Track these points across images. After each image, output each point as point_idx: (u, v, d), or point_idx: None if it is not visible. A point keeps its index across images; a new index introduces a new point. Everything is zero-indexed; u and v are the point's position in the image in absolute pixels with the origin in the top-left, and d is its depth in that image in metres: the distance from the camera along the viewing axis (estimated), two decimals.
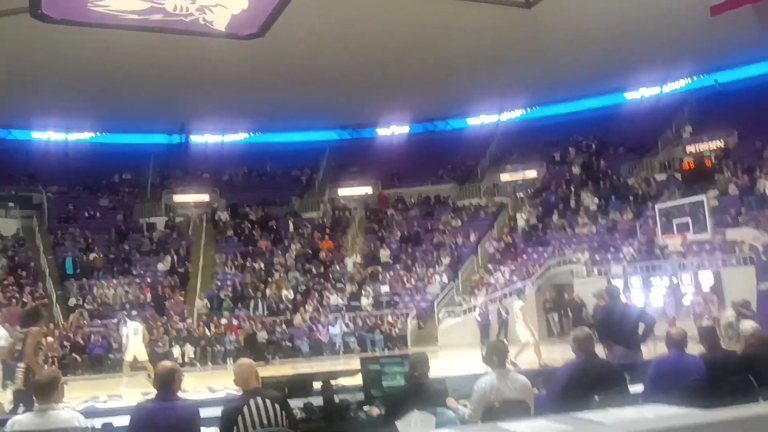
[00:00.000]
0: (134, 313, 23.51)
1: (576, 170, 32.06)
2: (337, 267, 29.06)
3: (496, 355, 5.66)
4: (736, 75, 32.43)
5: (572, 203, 29.57)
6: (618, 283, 22.32)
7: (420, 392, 5.43)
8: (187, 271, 28.27)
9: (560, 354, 15.91)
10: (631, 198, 28.10)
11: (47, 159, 33.19)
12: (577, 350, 5.91)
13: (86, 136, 35.49)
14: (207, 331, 22.68)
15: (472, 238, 29.55)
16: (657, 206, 21.92)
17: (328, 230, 31.93)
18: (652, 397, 5.55)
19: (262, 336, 23.06)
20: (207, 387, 15.02)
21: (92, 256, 27.70)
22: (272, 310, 25.55)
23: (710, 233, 19.53)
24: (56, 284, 26.08)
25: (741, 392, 5.61)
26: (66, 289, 25.84)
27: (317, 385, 6.80)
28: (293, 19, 24.08)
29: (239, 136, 37.94)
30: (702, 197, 19.62)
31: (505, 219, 30.84)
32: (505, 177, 34.12)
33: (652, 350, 10.54)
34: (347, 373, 7.29)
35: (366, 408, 6.26)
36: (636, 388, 6.19)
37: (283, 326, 24.21)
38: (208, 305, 25.30)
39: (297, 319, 24.09)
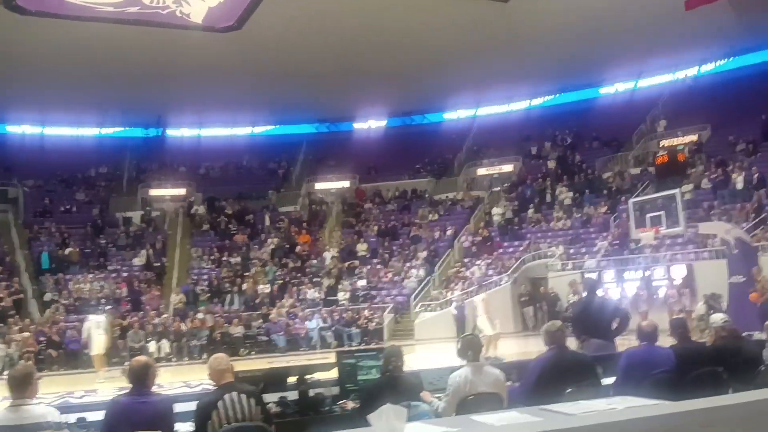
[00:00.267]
0: (108, 308, 23.46)
1: (551, 164, 32.27)
2: (314, 261, 29.04)
3: (471, 348, 5.71)
4: (710, 69, 32.75)
5: (548, 197, 29.76)
6: (592, 276, 22.58)
7: (394, 385, 5.47)
8: (163, 265, 28.11)
9: (536, 347, 16.06)
10: (606, 192, 28.35)
11: (23, 152, 32.71)
12: (549, 343, 5.99)
13: (62, 130, 35.02)
14: (183, 326, 22.56)
15: (449, 232, 29.65)
16: (631, 200, 22.11)
17: (305, 224, 31.90)
18: (623, 388, 5.62)
19: (238, 330, 23.00)
20: (183, 382, 14.96)
21: (68, 250, 27.41)
22: (249, 305, 25.46)
23: (683, 227, 19.74)
24: (32, 279, 25.85)
25: (711, 384, 5.70)
26: (42, 284, 25.55)
27: (292, 379, 6.81)
28: (270, 12, 24.05)
29: (216, 130, 37.65)
30: (675, 191, 19.81)
31: (481, 213, 30.96)
32: (481, 171, 34.27)
33: (626, 344, 10.67)
34: (322, 367, 7.32)
35: (341, 402, 6.29)
36: (609, 380, 6.27)
37: (260, 321, 24.16)
38: (184, 300, 25.16)
39: (273, 313, 24.03)
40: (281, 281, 27.19)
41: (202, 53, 27.15)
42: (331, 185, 35.43)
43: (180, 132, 37.31)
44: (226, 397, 4.90)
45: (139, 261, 27.93)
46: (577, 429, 2.69)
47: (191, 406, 5.20)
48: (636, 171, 28.99)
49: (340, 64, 29.39)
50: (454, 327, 22.60)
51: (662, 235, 20.68)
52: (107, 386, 15.20)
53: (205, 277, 27.25)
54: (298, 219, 32.32)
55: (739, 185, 24.08)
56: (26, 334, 20.34)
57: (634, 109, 32.83)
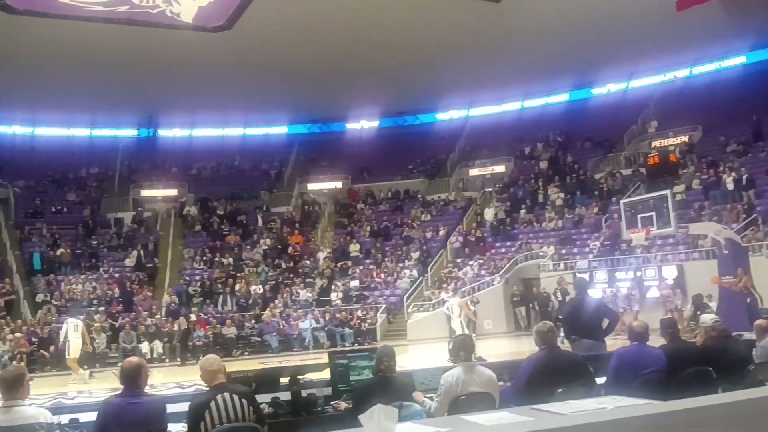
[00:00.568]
0: (101, 308, 23.43)
1: (543, 165, 32.36)
2: (307, 261, 29.02)
3: (463, 349, 5.73)
4: (701, 71, 32.88)
5: (540, 198, 29.83)
6: (584, 276, 22.65)
7: (386, 386, 5.47)
8: (155, 266, 28.03)
9: (528, 347, 16.09)
10: (597, 192, 28.43)
11: (13, 153, 32.58)
12: (540, 343, 6.01)
13: (53, 130, 34.88)
14: (175, 327, 22.52)
15: (441, 232, 29.69)
16: (622, 201, 22.19)
17: (297, 224, 31.87)
18: (614, 388, 5.65)
19: (230, 331, 22.98)
20: (176, 382, 14.95)
21: (59, 251, 27.31)
22: (241, 306, 25.43)
23: (674, 228, 19.82)
24: (23, 280, 25.73)
25: (700, 383, 5.73)
26: (33, 285, 25.49)
27: (285, 380, 6.82)
28: (261, 12, 24.03)
29: (207, 130, 37.57)
30: (666, 192, 19.89)
31: (473, 213, 31.01)
32: (473, 172, 34.32)
33: (618, 344, 10.72)
34: (315, 367, 7.34)
35: (333, 402, 6.31)
36: (600, 380, 6.30)
37: (252, 321, 24.14)
38: (177, 301, 25.08)
39: (266, 314, 24.01)
40: (274, 282, 27.17)
41: (193, 53, 27.10)
42: (323, 186, 35.41)
43: (171, 132, 37.24)
44: (219, 397, 4.90)
45: (130, 262, 27.85)
46: (567, 428, 2.71)
47: (184, 406, 5.20)
48: (627, 172, 29.07)
49: (332, 64, 29.39)
50: (447, 327, 22.61)
51: (653, 235, 20.76)
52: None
53: (198, 277, 27.20)
54: (291, 219, 32.29)
55: (730, 186, 24.20)
56: (18, 334, 20.27)
57: (626, 109, 32.93)
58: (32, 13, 22.85)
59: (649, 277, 22.27)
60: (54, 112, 32.63)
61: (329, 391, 6.59)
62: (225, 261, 28.20)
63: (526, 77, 32.50)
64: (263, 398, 5.97)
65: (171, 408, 5.19)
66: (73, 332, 17.24)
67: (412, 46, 28.63)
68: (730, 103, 28.98)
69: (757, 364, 6.41)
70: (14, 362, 17.10)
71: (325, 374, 6.89)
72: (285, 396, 6.37)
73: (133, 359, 5.25)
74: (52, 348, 19.96)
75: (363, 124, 38.56)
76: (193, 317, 23.24)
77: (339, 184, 35.46)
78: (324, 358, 7.13)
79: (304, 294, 26.27)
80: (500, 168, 33.77)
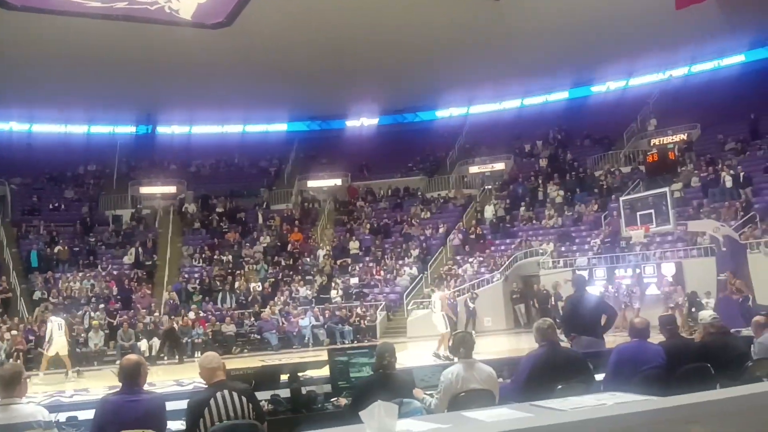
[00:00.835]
0: (100, 306, 23.41)
1: (543, 162, 32.38)
2: (307, 259, 29.02)
3: (463, 345, 5.73)
4: (699, 69, 32.91)
5: (539, 195, 29.85)
6: (583, 274, 22.65)
7: (386, 383, 5.48)
8: (154, 263, 28.01)
9: (527, 344, 16.09)
10: (597, 190, 28.45)
11: (10, 150, 32.45)
12: (540, 340, 6.02)
13: (50, 127, 34.82)
14: (174, 325, 22.47)
15: (441, 230, 29.69)
16: (621, 198, 22.23)
17: (297, 222, 31.85)
18: (614, 384, 5.66)
19: (230, 329, 22.98)
20: (175, 380, 14.94)
21: (57, 248, 27.25)
22: (241, 303, 25.43)
23: (672, 225, 19.85)
24: (20, 277, 25.64)
25: (699, 379, 5.74)
26: (30, 283, 25.41)
27: (285, 377, 6.81)
28: (260, 8, 23.97)
29: (207, 127, 37.53)
30: (665, 189, 19.93)
31: (473, 211, 31.02)
32: (473, 169, 34.32)
33: (618, 340, 10.73)
34: (315, 364, 7.32)
35: (333, 399, 6.31)
36: (599, 377, 6.31)
37: (252, 319, 24.14)
38: (176, 298, 25.06)
39: (266, 311, 24.00)
40: (273, 279, 27.16)
41: (192, 50, 27.04)
42: (323, 183, 35.41)
43: (170, 129, 37.22)
44: (218, 395, 4.90)
45: (129, 259, 27.79)
46: (567, 424, 2.71)
47: (183, 404, 5.19)
48: (627, 169, 29.11)
49: (332, 61, 29.37)
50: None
51: (652, 233, 20.80)
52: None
53: (197, 275, 27.17)
54: (290, 217, 32.27)
55: (728, 184, 24.23)
56: (15, 332, 20.23)
57: (625, 107, 32.96)
58: (29, 9, 22.75)
59: (648, 274, 22.32)
60: (51, 109, 32.61)
61: (329, 388, 6.59)
62: (224, 258, 28.20)
63: (526, 75, 32.50)
64: (263, 395, 5.97)
65: (170, 406, 5.18)
66: (57, 331, 17.12)
67: (412, 43, 28.62)
68: (728, 102, 29.05)
69: (755, 360, 6.44)
70: (11, 360, 17.07)
71: (325, 371, 6.88)
72: (285, 393, 6.37)
73: (133, 357, 5.22)
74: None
75: (363, 122, 38.56)
76: (192, 315, 23.21)
77: (339, 182, 35.45)
78: (323, 356, 7.12)
79: (304, 291, 26.26)
80: (500, 165, 33.78)
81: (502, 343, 21.12)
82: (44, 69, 27.37)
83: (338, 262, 28.73)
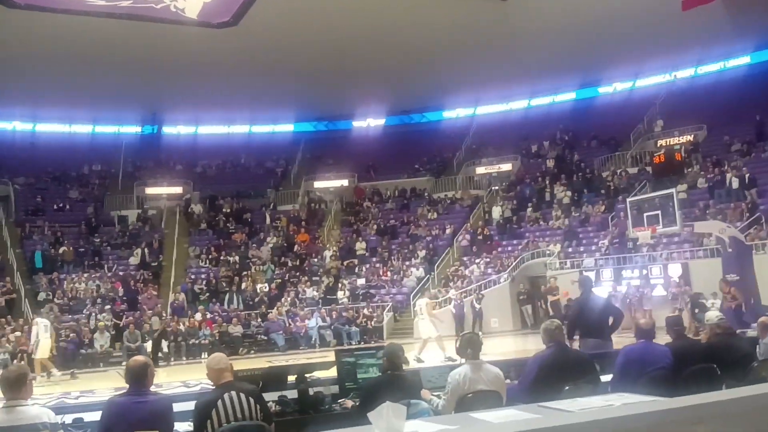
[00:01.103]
0: (106, 307, 23.46)
1: (550, 163, 32.32)
2: (314, 260, 29.03)
3: (470, 346, 5.73)
4: (705, 70, 32.86)
5: (546, 196, 29.81)
6: (590, 275, 22.62)
7: (394, 384, 5.48)
8: (160, 264, 28.03)
9: (534, 345, 16.05)
10: (604, 191, 28.40)
11: (13, 150, 32.40)
12: (547, 341, 6.02)
13: (54, 126, 34.76)
14: (181, 326, 22.54)
15: (448, 230, 29.68)
16: (628, 199, 22.22)
17: (303, 223, 31.87)
18: (620, 385, 5.65)
19: (237, 330, 23.03)
20: (181, 381, 14.94)
21: (62, 249, 27.20)
22: (247, 304, 25.46)
23: (679, 226, 19.83)
24: (24, 278, 25.46)
25: (705, 380, 5.74)
26: (35, 284, 25.31)
27: (292, 378, 6.82)
28: (267, 8, 23.94)
29: (213, 127, 37.57)
30: (671, 190, 19.91)
31: (480, 212, 31.00)
32: (480, 170, 34.29)
33: (625, 341, 10.72)
34: (322, 365, 7.33)
35: (340, 400, 6.31)
36: (606, 378, 6.30)
37: (259, 320, 24.18)
38: (183, 299, 25.09)
39: (273, 312, 24.04)
40: (280, 280, 27.18)
41: (198, 49, 27.02)
42: (329, 184, 35.41)
43: (176, 129, 37.25)
44: (226, 396, 4.89)
45: (134, 260, 27.79)
46: (574, 425, 2.72)
47: (190, 405, 5.19)
48: (633, 170, 29.05)
49: (339, 61, 29.37)
50: (453, 325, 22.65)
51: (659, 234, 20.76)
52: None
53: (203, 276, 27.19)
54: (297, 218, 32.30)
55: (734, 185, 24.20)
56: (19, 334, 20.22)
57: (632, 108, 32.94)
58: (33, 8, 22.72)
59: (655, 275, 22.26)
60: (55, 108, 32.50)
61: (336, 389, 6.60)
62: (231, 259, 28.22)
63: (533, 76, 32.48)
64: (270, 396, 5.98)
65: (177, 407, 5.18)
66: (43, 333, 17.07)
67: (419, 43, 28.61)
68: (734, 103, 29.03)
69: (760, 361, 6.44)
70: (15, 361, 17.06)
71: (332, 372, 6.88)
72: (292, 394, 6.38)
73: (140, 358, 5.21)
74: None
75: (369, 122, 38.58)
76: (198, 316, 23.27)
77: (345, 182, 35.45)
78: (330, 357, 7.14)
79: (311, 292, 26.28)
80: (507, 166, 33.74)
81: (508, 344, 21.08)
82: (48, 68, 27.28)
83: (345, 262, 28.75)
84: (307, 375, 6.85)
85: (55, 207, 30.92)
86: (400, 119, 38.85)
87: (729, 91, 29.44)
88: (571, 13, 26.96)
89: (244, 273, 27.28)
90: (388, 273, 27.81)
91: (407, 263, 28.07)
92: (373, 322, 24.44)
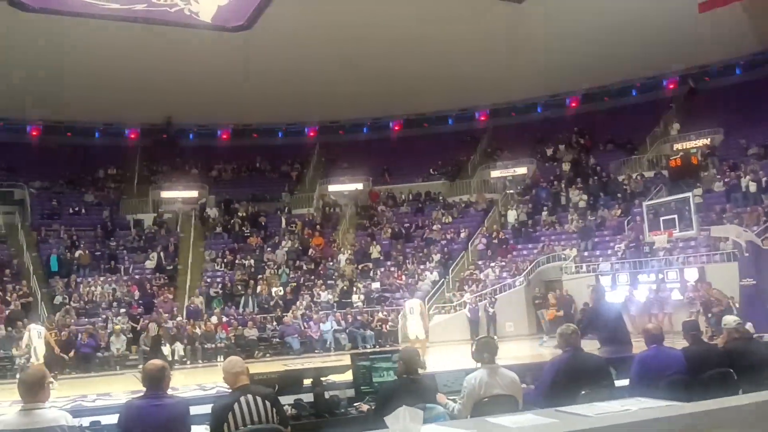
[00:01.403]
0: (122, 311, 23.57)
1: (565, 167, 32.21)
2: (329, 263, 29.06)
3: (487, 350, 5.72)
4: (723, 73, 32.66)
5: (562, 200, 29.71)
6: (606, 279, 22.59)
7: (410, 388, 5.48)
8: (175, 267, 28.13)
9: (549, 350, 16.02)
10: (620, 195, 28.28)
11: (29, 153, 32.57)
12: (563, 345, 6.00)
13: (69, 130, 34.78)
14: (197, 329, 22.62)
15: (463, 234, 29.63)
16: (645, 203, 22.12)
17: (318, 226, 31.90)
18: (637, 390, 5.63)
19: (252, 333, 23.09)
20: (198, 384, 15.02)
21: (77, 253, 27.24)
22: (263, 308, 25.53)
23: (695, 230, 19.71)
24: (41, 282, 25.52)
25: (721, 385, 5.71)
26: (51, 287, 25.37)
27: (307, 381, 6.83)
28: (281, 11, 23.99)
29: (228, 131, 37.67)
30: (688, 194, 19.80)
31: (495, 215, 30.93)
32: (495, 173, 34.19)
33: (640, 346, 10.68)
34: (337, 369, 7.33)
35: (356, 404, 6.32)
36: (623, 382, 6.28)
37: (274, 323, 24.22)
38: (200, 303, 25.12)
39: (288, 316, 24.09)
40: (295, 284, 27.22)
41: (213, 53, 27.10)
42: (344, 187, 35.42)
43: (191, 133, 37.37)
44: (242, 399, 4.91)
45: (150, 264, 27.89)
46: (592, 430, 2.72)
47: (206, 408, 5.22)
48: (650, 174, 28.89)
49: (353, 64, 29.38)
50: (468, 329, 22.63)
51: (675, 237, 20.65)
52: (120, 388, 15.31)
53: (219, 279, 27.29)
54: (312, 221, 32.34)
55: (751, 189, 24.02)
56: None
57: (648, 112, 32.76)
58: (47, 11, 22.86)
59: (671, 279, 22.14)
60: (71, 112, 32.57)
61: (352, 392, 6.61)
62: (246, 263, 28.29)
63: (548, 79, 32.39)
64: (286, 400, 5.98)
65: (194, 410, 5.21)
66: (36, 339, 17.04)
67: (434, 46, 28.60)
68: (751, 107, 28.83)
69: None
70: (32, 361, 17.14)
71: (348, 376, 6.89)
72: (308, 398, 6.39)
73: (157, 361, 5.24)
74: (72, 353, 20.07)
75: (384, 126, 38.56)
76: (214, 319, 23.36)
77: (360, 186, 35.47)
78: (345, 360, 7.15)
79: (326, 296, 26.30)
80: (522, 170, 33.64)
81: (523, 348, 21.03)
82: (64, 72, 27.43)
83: (360, 266, 28.75)
84: (322, 378, 6.86)
85: (71, 211, 30.89)
86: (415, 123, 38.82)
87: (746, 94, 29.23)
88: (587, 16, 26.91)
89: (260, 276, 27.33)
90: (403, 277, 27.79)
91: (422, 267, 28.05)
92: (387, 326, 24.43)
